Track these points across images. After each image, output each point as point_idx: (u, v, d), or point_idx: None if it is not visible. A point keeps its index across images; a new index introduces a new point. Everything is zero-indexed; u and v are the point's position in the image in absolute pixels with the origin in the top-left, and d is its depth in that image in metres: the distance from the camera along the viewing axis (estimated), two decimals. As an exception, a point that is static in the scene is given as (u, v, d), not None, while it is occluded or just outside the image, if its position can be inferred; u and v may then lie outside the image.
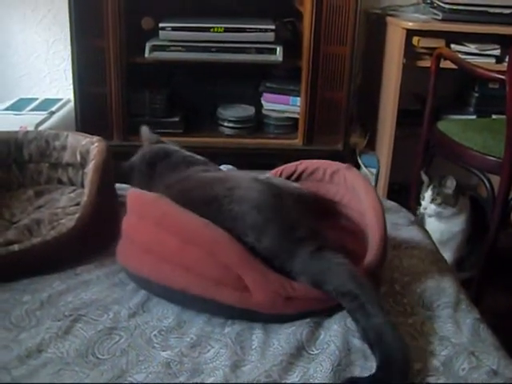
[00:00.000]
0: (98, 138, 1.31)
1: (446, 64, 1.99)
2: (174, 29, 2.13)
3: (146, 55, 2.14)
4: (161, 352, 0.91)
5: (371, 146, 2.49)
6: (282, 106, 2.34)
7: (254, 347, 0.93)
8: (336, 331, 0.96)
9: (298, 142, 2.32)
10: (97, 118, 2.21)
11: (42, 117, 2.25)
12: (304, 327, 0.97)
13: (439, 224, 1.94)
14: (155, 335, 0.95)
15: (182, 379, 0.86)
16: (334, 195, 1.26)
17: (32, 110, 2.35)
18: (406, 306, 1.06)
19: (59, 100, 2.45)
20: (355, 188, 1.20)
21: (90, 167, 1.21)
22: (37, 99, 2.49)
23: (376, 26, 2.42)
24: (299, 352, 0.92)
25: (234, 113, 2.36)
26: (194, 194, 1.06)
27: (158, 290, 1.01)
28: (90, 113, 2.20)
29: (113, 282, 1.09)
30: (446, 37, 2.15)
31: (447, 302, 1.08)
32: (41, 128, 2.14)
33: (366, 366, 0.90)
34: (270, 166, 1.41)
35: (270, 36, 2.16)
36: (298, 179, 1.31)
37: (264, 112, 2.38)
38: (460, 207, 1.88)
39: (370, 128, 2.51)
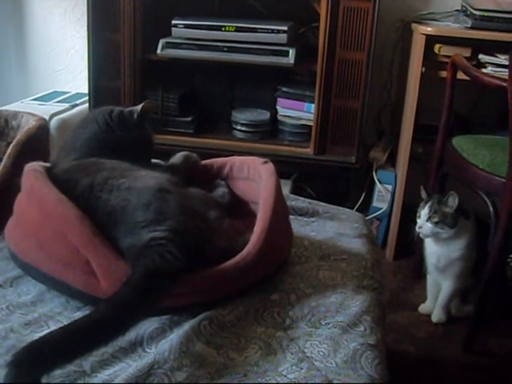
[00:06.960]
0: (40, 117, 1.32)
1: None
2: (187, 26, 2.12)
3: (159, 51, 2.15)
4: (-6, 326, 0.88)
5: (393, 162, 2.32)
6: (297, 112, 2.25)
7: (90, 336, 0.87)
8: (184, 332, 0.87)
9: (309, 151, 2.21)
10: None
11: (62, 108, 2.33)
12: (155, 323, 0.89)
13: (435, 247, 1.73)
14: (2, 308, 0.92)
15: (-6, 355, 0.81)
16: (253, 193, 1.17)
17: (58, 101, 2.44)
18: (288, 318, 0.95)
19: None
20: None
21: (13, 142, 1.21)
22: (69, 92, 2.60)
23: (408, 36, 2.26)
24: (132, 348, 0.85)
25: (248, 116, 2.30)
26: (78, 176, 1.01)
27: (21, 265, 0.98)
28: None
29: (5, 255, 1.08)
30: (473, 46, 1.94)
31: (340, 321, 0.95)
32: (55, 118, 2.21)
33: (196, 373, 0.80)
34: (280, 174, 1.22)
35: (283, 38, 2.08)
36: (227, 176, 1.23)
37: (279, 118, 2.29)
38: (460, 230, 1.67)
39: (393, 144, 2.34)
